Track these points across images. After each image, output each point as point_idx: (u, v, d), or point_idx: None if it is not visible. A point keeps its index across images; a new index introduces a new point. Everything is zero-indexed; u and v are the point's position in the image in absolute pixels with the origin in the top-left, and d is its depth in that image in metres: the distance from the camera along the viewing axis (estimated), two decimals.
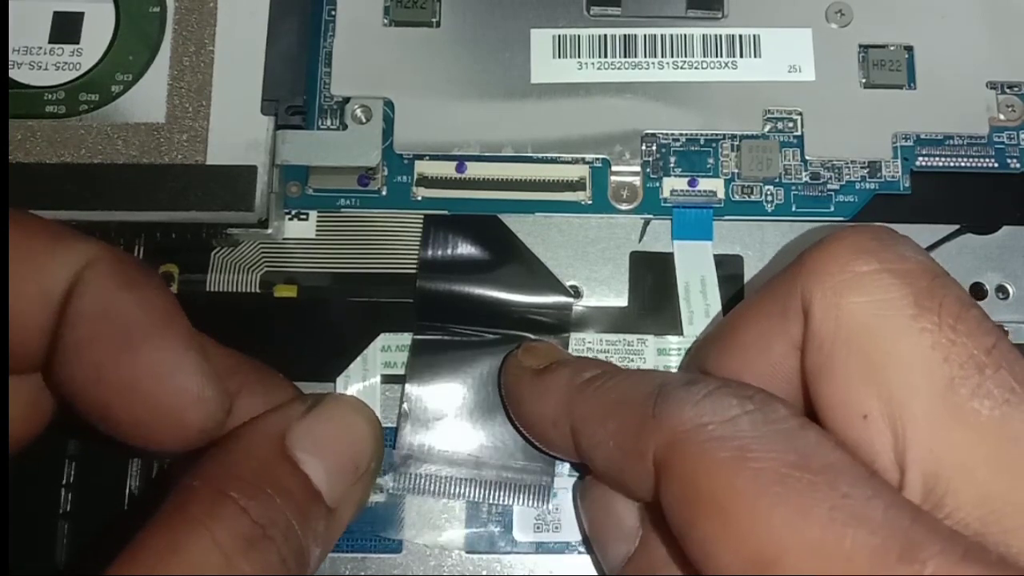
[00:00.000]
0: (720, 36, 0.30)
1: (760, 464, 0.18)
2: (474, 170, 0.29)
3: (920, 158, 0.29)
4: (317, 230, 0.29)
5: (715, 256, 0.28)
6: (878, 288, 0.20)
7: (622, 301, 0.28)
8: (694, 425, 0.19)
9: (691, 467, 0.19)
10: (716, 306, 0.28)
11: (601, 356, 0.28)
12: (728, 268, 0.28)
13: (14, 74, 0.28)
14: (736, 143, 0.29)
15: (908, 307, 0.19)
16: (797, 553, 0.17)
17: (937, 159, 0.29)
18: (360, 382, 0.28)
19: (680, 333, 0.28)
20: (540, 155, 0.29)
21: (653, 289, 0.28)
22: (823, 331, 0.20)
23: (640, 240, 0.29)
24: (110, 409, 0.20)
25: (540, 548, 0.27)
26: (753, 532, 0.18)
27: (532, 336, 0.28)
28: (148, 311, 0.21)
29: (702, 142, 0.29)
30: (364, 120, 0.29)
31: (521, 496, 0.27)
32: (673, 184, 0.29)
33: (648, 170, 0.29)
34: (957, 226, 0.29)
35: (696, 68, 0.29)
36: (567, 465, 0.27)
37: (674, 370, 0.28)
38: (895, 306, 0.19)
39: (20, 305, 0.20)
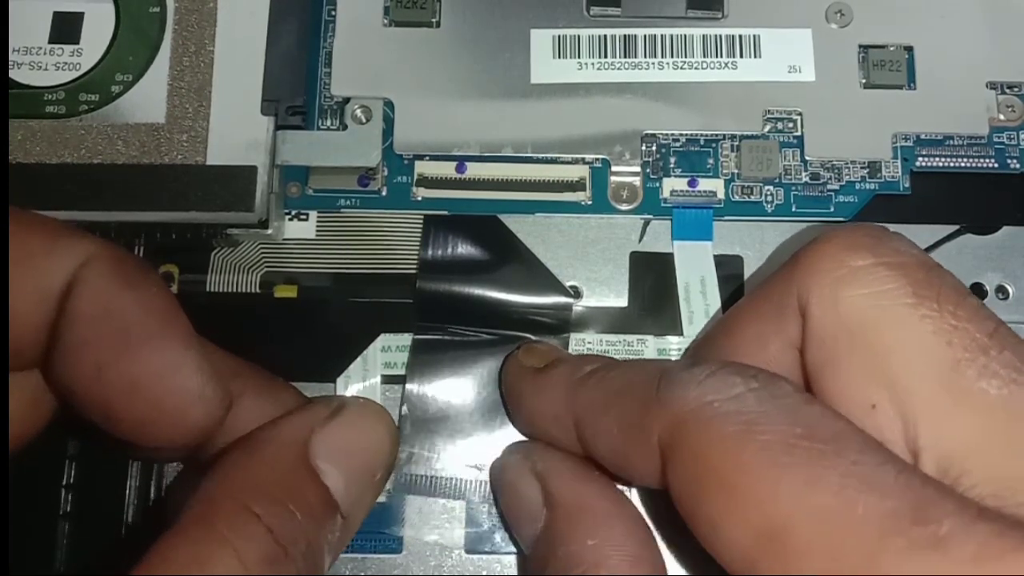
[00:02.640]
0: (720, 36, 0.30)
1: (767, 436, 0.18)
2: (474, 170, 0.29)
3: (920, 158, 0.29)
4: (317, 230, 0.29)
5: (715, 256, 0.28)
6: (875, 281, 0.20)
7: (622, 301, 0.28)
8: (699, 403, 0.19)
9: (697, 444, 0.19)
10: (716, 306, 0.28)
11: None
12: (728, 268, 0.28)
13: (14, 74, 0.28)
14: (736, 143, 0.29)
15: (907, 296, 0.19)
16: (807, 521, 0.17)
17: (937, 159, 0.29)
18: (360, 382, 0.28)
19: (680, 333, 0.28)
20: (540, 155, 0.29)
21: (653, 289, 0.28)
22: (823, 327, 0.20)
23: (640, 240, 0.29)
24: (111, 408, 0.20)
25: None
26: (761, 503, 0.17)
27: (532, 336, 0.28)
28: (148, 310, 0.21)
29: (702, 142, 0.29)
30: (364, 120, 0.29)
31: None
32: (673, 184, 0.29)
33: (648, 170, 0.29)
34: (957, 226, 0.29)
35: (696, 68, 0.29)
36: None
37: None
38: (894, 296, 0.20)
39: (18, 302, 0.20)
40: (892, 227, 0.28)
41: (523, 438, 0.27)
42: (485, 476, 0.27)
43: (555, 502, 0.23)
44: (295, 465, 0.21)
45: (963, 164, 0.29)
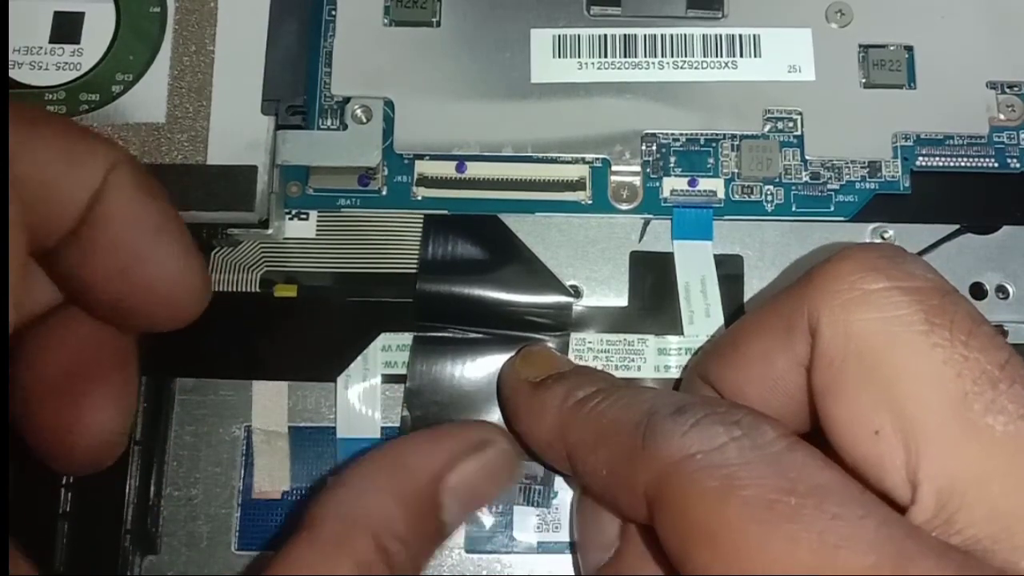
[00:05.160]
0: (720, 36, 0.30)
1: (748, 492, 0.18)
2: (474, 170, 0.29)
3: (920, 158, 0.29)
4: (317, 230, 0.29)
5: (715, 256, 0.28)
6: (888, 305, 0.20)
7: (622, 301, 0.28)
8: (682, 456, 0.19)
9: (681, 499, 0.19)
10: (716, 306, 0.28)
11: (601, 356, 0.28)
12: (728, 268, 0.28)
13: (14, 74, 0.28)
14: (736, 143, 0.29)
15: (919, 323, 0.19)
16: None
17: (937, 159, 0.29)
18: (361, 382, 0.28)
19: (680, 333, 0.28)
20: (540, 155, 0.29)
21: (653, 289, 0.28)
22: (832, 348, 0.20)
23: (640, 240, 0.29)
24: (123, 302, 0.22)
25: (540, 548, 0.27)
26: (745, 561, 0.18)
27: (533, 335, 0.28)
28: (168, 219, 0.22)
29: (702, 142, 0.29)
30: (364, 120, 0.29)
31: (521, 496, 0.27)
32: (673, 184, 0.29)
33: (648, 170, 0.29)
34: (957, 226, 0.29)
35: (696, 68, 0.29)
36: None
37: (674, 370, 0.28)
38: (906, 322, 0.19)
39: (58, 193, 0.21)
40: (892, 227, 0.29)
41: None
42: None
43: (631, 538, 0.23)
44: (427, 504, 0.23)
45: (963, 164, 0.29)
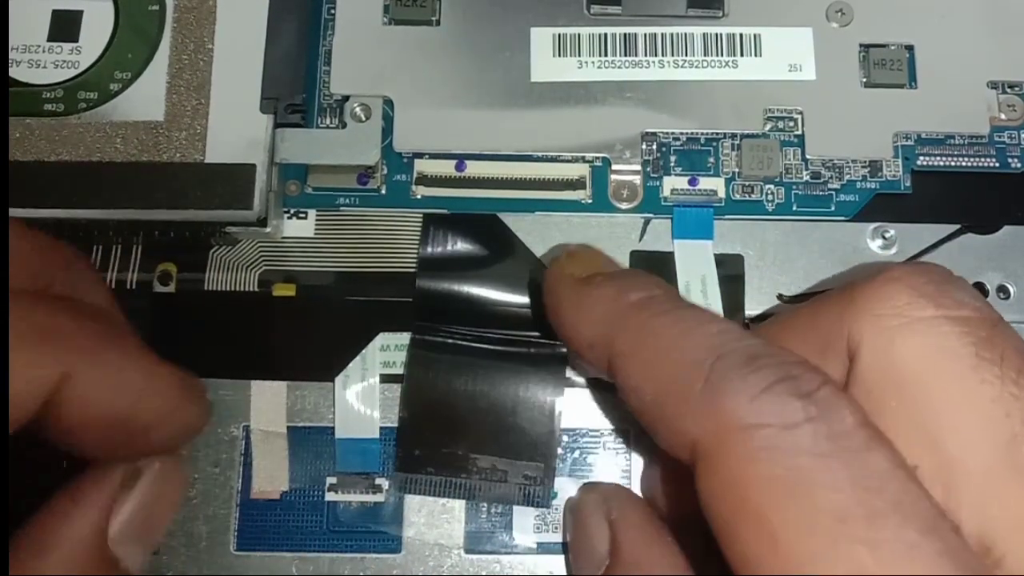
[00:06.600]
0: (721, 35, 0.29)
1: (820, 497, 0.16)
2: (474, 169, 0.29)
3: (921, 157, 0.29)
4: (316, 229, 0.29)
5: (716, 255, 0.28)
6: (936, 336, 0.19)
7: None
8: (749, 424, 0.17)
9: (740, 476, 0.17)
10: (717, 305, 0.28)
11: None
12: (729, 267, 0.28)
13: (13, 72, 0.28)
14: (736, 142, 0.29)
15: (968, 357, 0.18)
16: None
17: (938, 159, 0.29)
18: (359, 382, 0.28)
19: None
20: (540, 154, 0.29)
21: None
22: (872, 376, 0.19)
23: (640, 239, 0.29)
24: (118, 452, 0.21)
25: (540, 548, 0.27)
26: (803, 567, 0.16)
27: (533, 336, 0.28)
28: (143, 371, 0.21)
29: (702, 141, 0.29)
30: (363, 118, 0.29)
31: (521, 496, 0.27)
32: (673, 183, 0.29)
33: (648, 169, 0.29)
34: (958, 225, 0.29)
35: (696, 67, 0.29)
36: (567, 466, 0.27)
37: None
38: (954, 355, 0.18)
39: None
40: (893, 227, 0.29)
41: (537, 442, 0.26)
42: (485, 476, 0.27)
43: (620, 555, 0.22)
44: (96, 564, 0.21)
45: (964, 163, 0.29)
